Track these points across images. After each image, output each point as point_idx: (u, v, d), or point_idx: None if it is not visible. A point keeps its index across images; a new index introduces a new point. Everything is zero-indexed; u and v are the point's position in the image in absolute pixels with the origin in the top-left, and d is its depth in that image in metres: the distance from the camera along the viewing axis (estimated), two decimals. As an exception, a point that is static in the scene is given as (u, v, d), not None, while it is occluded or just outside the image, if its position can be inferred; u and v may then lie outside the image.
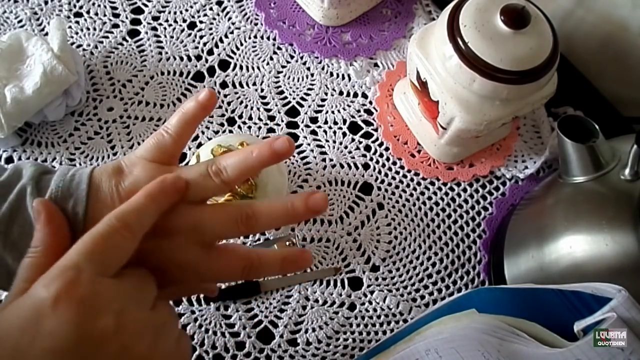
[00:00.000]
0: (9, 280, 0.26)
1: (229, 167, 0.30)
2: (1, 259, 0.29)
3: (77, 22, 0.61)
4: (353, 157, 0.55)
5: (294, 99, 0.58)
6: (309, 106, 0.57)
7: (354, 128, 0.56)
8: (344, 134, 0.56)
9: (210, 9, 0.62)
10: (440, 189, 0.54)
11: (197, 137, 0.55)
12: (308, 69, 0.59)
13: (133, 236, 0.26)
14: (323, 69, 0.59)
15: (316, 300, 0.48)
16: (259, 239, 0.51)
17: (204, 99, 0.32)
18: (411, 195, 0.54)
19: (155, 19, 0.61)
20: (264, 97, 0.57)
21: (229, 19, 0.62)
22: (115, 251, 0.26)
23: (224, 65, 0.59)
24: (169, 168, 0.32)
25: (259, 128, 0.56)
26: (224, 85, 0.58)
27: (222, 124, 0.56)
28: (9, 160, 0.53)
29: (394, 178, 0.54)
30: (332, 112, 0.57)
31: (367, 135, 0.56)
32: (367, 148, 0.55)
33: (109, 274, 0.25)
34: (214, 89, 0.58)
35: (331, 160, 0.54)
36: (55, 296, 0.22)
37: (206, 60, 0.59)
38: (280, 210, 0.30)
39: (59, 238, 0.27)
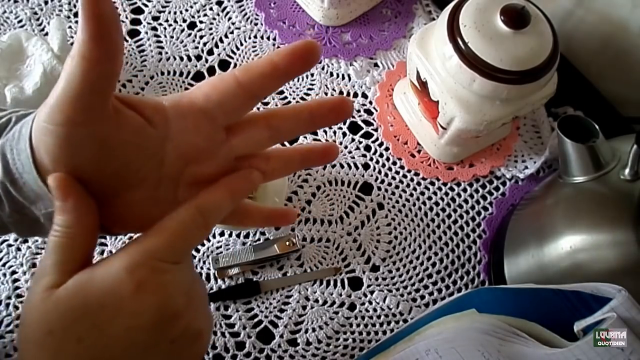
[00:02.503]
0: None
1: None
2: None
3: (77, 22, 0.60)
4: (353, 157, 0.55)
5: (294, 99, 0.58)
6: (309, 106, 0.57)
7: (354, 128, 0.56)
8: (344, 134, 0.56)
9: (210, 9, 0.62)
10: (440, 189, 0.54)
11: (197, 137, 0.55)
12: (308, 69, 0.59)
13: (208, 230, 0.28)
14: (323, 69, 0.59)
15: (316, 300, 0.48)
16: (259, 239, 0.51)
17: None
18: (411, 195, 0.54)
19: (155, 19, 0.61)
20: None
21: (229, 19, 0.62)
22: (193, 243, 0.27)
23: (224, 65, 0.59)
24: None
25: (259, 128, 0.56)
26: (224, 85, 0.58)
27: (222, 124, 0.56)
28: (9, 160, 0.53)
29: (394, 178, 0.54)
30: (332, 112, 0.57)
31: (367, 135, 0.56)
32: (367, 148, 0.55)
33: (182, 261, 0.27)
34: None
35: (331, 160, 0.54)
36: (139, 282, 0.24)
37: (206, 60, 0.59)
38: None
39: (90, 217, 0.26)
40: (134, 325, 0.24)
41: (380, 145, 0.56)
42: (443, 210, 0.53)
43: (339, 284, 0.49)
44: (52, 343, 0.24)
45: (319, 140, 0.55)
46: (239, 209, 0.32)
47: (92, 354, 0.24)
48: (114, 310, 0.24)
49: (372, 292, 0.49)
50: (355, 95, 0.58)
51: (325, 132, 0.56)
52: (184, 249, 0.27)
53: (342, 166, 0.54)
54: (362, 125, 0.57)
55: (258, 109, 0.56)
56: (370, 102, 0.57)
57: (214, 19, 0.61)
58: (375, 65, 0.60)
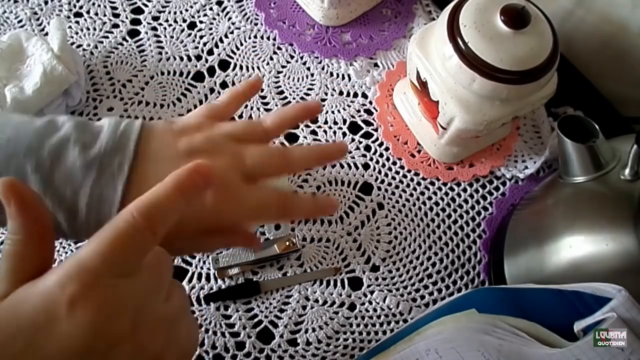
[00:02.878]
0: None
1: (267, 119, 0.36)
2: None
3: (77, 22, 0.61)
4: (353, 157, 0.55)
5: (294, 99, 0.58)
6: (309, 106, 0.57)
7: (354, 128, 0.56)
8: (344, 134, 0.56)
9: (210, 9, 0.62)
10: (440, 189, 0.54)
11: (197, 137, 0.55)
12: (308, 69, 0.59)
13: (154, 236, 0.24)
14: (323, 69, 0.59)
15: (316, 300, 0.48)
16: (259, 239, 0.50)
17: (252, 79, 0.39)
18: (411, 195, 0.54)
19: (155, 19, 0.61)
20: (264, 97, 0.57)
21: (229, 19, 0.62)
22: (134, 252, 0.24)
23: (224, 65, 0.59)
24: (216, 120, 0.36)
25: (259, 128, 0.56)
26: (224, 85, 0.58)
27: (222, 124, 0.56)
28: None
29: (394, 178, 0.54)
30: (332, 112, 0.57)
31: (367, 135, 0.56)
32: (367, 148, 0.55)
33: (127, 274, 0.24)
34: (214, 89, 0.58)
35: (331, 160, 0.54)
36: (71, 298, 0.22)
37: (206, 60, 0.59)
38: (314, 149, 0.36)
39: (39, 224, 0.25)
40: (68, 348, 0.22)
41: (380, 145, 0.56)
42: (443, 210, 0.53)
43: (339, 284, 0.49)
44: None
45: (319, 140, 0.55)
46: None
47: None
48: (47, 330, 0.22)
49: (372, 292, 0.49)
50: (355, 95, 0.58)
51: (325, 132, 0.56)
52: (125, 260, 0.24)
53: (342, 166, 0.54)
54: (362, 125, 0.57)
55: (259, 109, 0.56)
56: (370, 102, 0.57)
57: (214, 19, 0.61)
58: (375, 65, 0.60)
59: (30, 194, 0.25)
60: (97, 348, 0.22)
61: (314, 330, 0.47)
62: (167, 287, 0.26)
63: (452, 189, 0.54)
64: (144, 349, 0.24)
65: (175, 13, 0.62)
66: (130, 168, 0.30)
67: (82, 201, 0.30)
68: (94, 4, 0.62)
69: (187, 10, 0.62)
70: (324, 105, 0.57)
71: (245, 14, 0.62)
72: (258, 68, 0.59)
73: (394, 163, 0.55)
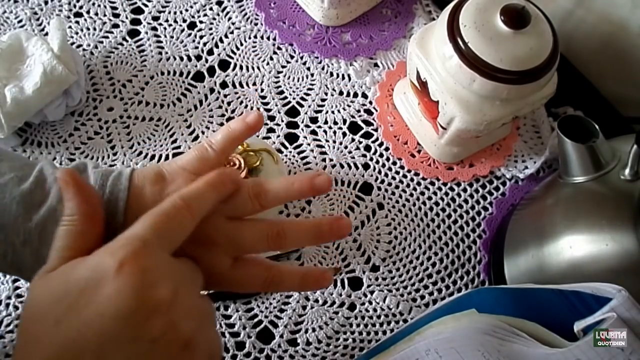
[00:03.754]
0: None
1: (270, 193, 0.32)
2: (32, 270, 0.28)
3: (77, 22, 0.61)
4: (353, 157, 0.55)
5: (294, 99, 0.58)
6: (309, 106, 0.57)
7: (354, 128, 0.56)
8: (344, 134, 0.56)
9: (210, 9, 0.62)
10: (440, 189, 0.54)
11: (197, 137, 0.55)
12: (308, 69, 0.59)
13: (193, 217, 0.27)
14: (323, 69, 0.59)
15: (316, 300, 0.48)
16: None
17: (252, 120, 0.34)
18: (411, 195, 0.54)
19: (155, 19, 0.61)
20: (264, 97, 0.57)
21: (229, 19, 0.62)
22: (178, 229, 0.27)
23: (224, 65, 0.59)
24: None
25: (259, 128, 0.56)
26: (224, 85, 0.58)
27: (222, 124, 0.56)
28: (9, 160, 0.53)
29: (394, 178, 0.54)
30: (332, 112, 0.57)
31: (367, 135, 0.56)
32: (367, 148, 0.55)
33: (170, 250, 0.26)
34: (214, 89, 0.58)
35: (331, 160, 0.54)
36: (120, 262, 0.23)
37: (206, 60, 0.59)
38: (308, 230, 0.32)
39: (93, 205, 0.28)
40: (108, 310, 0.23)
41: (380, 145, 0.56)
42: (443, 210, 0.53)
43: (339, 284, 0.49)
44: (33, 326, 0.24)
45: (319, 140, 0.55)
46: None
47: (67, 338, 0.23)
48: (92, 293, 0.23)
49: (372, 292, 0.49)
50: (355, 95, 0.58)
51: (325, 132, 0.56)
52: (169, 236, 0.26)
53: (342, 166, 0.54)
54: (362, 125, 0.57)
55: (259, 109, 0.56)
56: (370, 102, 0.57)
57: (214, 19, 0.61)
58: (375, 65, 0.60)
59: (85, 182, 0.28)
60: (136, 315, 0.23)
61: (314, 330, 0.47)
62: (200, 287, 0.28)
63: (452, 189, 0.54)
64: (177, 328, 0.24)
65: (175, 13, 0.62)
66: (124, 213, 0.31)
67: None
68: (94, 4, 0.62)
69: (187, 10, 0.62)
70: (323, 106, 0.57)
71: (245, 14, 0.62)
72: (258, 68, 0.59)
73: (394, 163, 0.55)
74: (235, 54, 0.60)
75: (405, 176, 0.54)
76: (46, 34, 0.59)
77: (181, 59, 0.59)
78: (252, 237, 0.31)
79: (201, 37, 0.60)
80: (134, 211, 0.31)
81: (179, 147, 0.55)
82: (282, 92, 0.58)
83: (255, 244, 0.31)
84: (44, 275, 0.25)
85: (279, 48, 0.60)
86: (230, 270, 0.31)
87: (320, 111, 0.57)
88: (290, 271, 0.32)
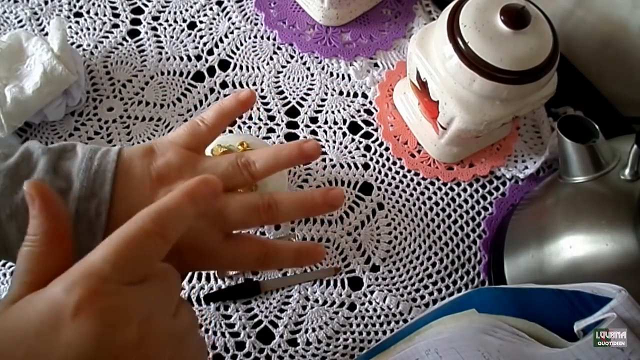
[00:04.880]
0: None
1: (258, 161, 0.31)
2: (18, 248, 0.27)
3: (77, 22, 0.61)
4: (353, 157, 0.55)
5: (294, 99, 0.58)
6: (309, 106, 0.57)
7: (354, 128, 0.56)
8: (344, 134, 0.56)
9: (210, 9, 0.62)
10: (440, 189, 0.54)
11: (197, 137, 0.55)
12: (308, 69, 0.59)
13: (165, 242, 0.24)
14: (323, 69, 0.59)
15: (316, 300, 0.48)
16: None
17: (244, 97, 0.34)
18: (411, 195, 0.54)
19: (155, 19, 0.61)
20: (264, 97, 0.57)
21: (229, 19, 0.62)
22: (145, 258, 0.23)
23: (224, 65, 0.59)
24: (199, 156, 0.32)
25: (259, 128, 0.56)
26: (224, 85, 0.58)
27: (222, 124, 0.56)
28: (9, 160, 0.53)
29: (394, 178, 0.54)
30: (332, 112, 0.57)
31: (367, 135, 0.56)
32: (367, 148, 0.55)
33: (135, 281, 0.23)
34: (214, 89, 0.58)
35: (331, 160, 0.54)
36: (76, 304, 0.21)
37: (206, 60, 0.59)
38: (300, 201, 0.31)
39: (58, 224, 0.25)
40: (70, 358, 0.21)
41: (380, 145, 0.56)
42: (443, 210, 0.53)
43: (339, 284, 0.49)
44: None
45: (319, 140, 0.55)
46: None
47: None
48: (50, 338, 0.21)
49: (372, 292, 0.49)
50: (355, 95, 0.58)
51: (325, 132, 0.56)
52: (135, 265, 0.23)
53: (342, 166, 0.54)
54: (362, 125, 0.57)
55: (258, 109, 0.56)
56: (370, 102, 0.57)
57: (214, 19, 0.61)
58: (375, 65, 0.60)
59: (53, 196, 0.25)
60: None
61: (314, 330, 0.47)
62: (175, 302, 0.26)
63: (452, 189, 0.54)
64: None
65: (175, 13, 0.62)
66: (107, 215, 0.29)
67: None
68: (94, 4, 0.62)
69: (187, 10, 0.62)
70: (323, 106, 0.57)
71: (245, 14, 0.62)
72: (258, 68, 0.59)
73: (394, 163, 0.55)
74: (235, 54, 0.60)
75: (405, 176, 0.54)
76: (46, 34, 0.59)
77: (181, 59, 0.59)
78: (242, 208, 0.30)
79: (201, 37, 0.60)
80: (122, 185, 0.30)
81: (179, 147, 0.55)
82: (282, 92, 0.58)
83: (246, 216, 0.30)
84: (4, 310, 0.22)
85: (279, 48, 0.60)
86: (223, 247, 0.29)
87: (320, 111, 0.57)
88: (284, 246, 0.32)
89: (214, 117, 0.34)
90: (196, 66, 0.59)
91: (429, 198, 0.53)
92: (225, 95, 0.57)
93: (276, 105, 0.57)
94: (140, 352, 0.22)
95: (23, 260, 0.24)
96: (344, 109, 0.57)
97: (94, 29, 0.60)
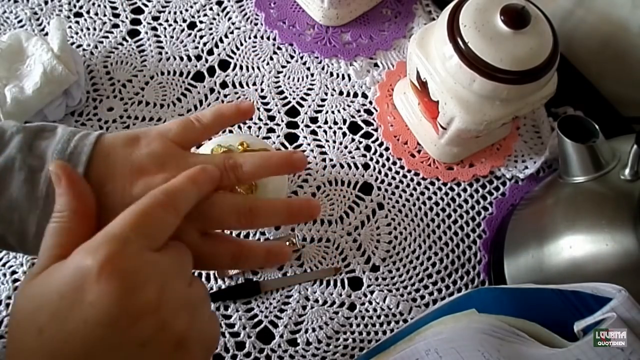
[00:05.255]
0: None
1: (246, 164, 0.31)
2: None
3: (77, 22, 0.61)
4: (353, 157, 0.55)
5: (294, 99, 0.58)
6: (309, 106, 0.57)
7: (354, 128, 0.56)
8: (344, 134, 0.56)
9: (210, 9, 0.62)
10: (440, 189, 0.54)
11: (197, 137, 0.55)
12: (308, 69, 0.59)
13: (177, 213, 0.26)
14: (323, 69, 0.59)
15: (316, 300, 0.48)
16: (259, 239, 0.51)
17: (244, 107, 0.34)
18: (411, 195, 0.54)
19: (155, 19, 0.61)
20: (264, 97, 0.57)
21: (229, 19, 0.62)
22: (161, 225, 0.25)
23: (224, 65, 0.59)
24: (185, 152, 0.32)
25: (259, 128, 0.56)
26: (224, 85, 0.58)
27: (222, 124, 0.56)
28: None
29: (394, 178, 0.54)
30: (332, 112, 0.57)
31: (367, 135, 0.56)
32: (367, 148, 0.55)
33: (153, 247, 0.25)
34: (214, 89, 0.58)
35: (331, 160, 0.54)
36: (100, 266, 0.22)
37: (206, 60, 0.59)
38: (281, 207, 0.31)
39: (84, 201, 0.27)
40: (92, 317, 0.22)
41: (380, 145, 0.56)
42: (443, 210, 0.53)
43: (339, 284, 0.49)
44: (17, 334, 0.23)
45: (319, 140, 0.55)
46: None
47: (52, 347, 0.22)
48: (73, 299, 0.22)
49: (372, 292, 0.49)
50: (355, 95, 0.58)
51: (325, 132, 0.56)
52: (151, 233, 0.25)
53: (342, 166, 0.54)
54: (362, 125, 0.57)
55: (258, 109, 0.56)
56: (370, 102, 0.57)
57: (214, 19, 0.61)
58: (375, 65, 0.60)
59: (78, 176, 0.27)
60: (121, 320, 0.22)
61: (314, 330, 0.47)
62: (190, 273, 0.27)
63: (452, 189, 0.54)
64: (168, 327, 0.24)
65: (175, 13, 0.62)
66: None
67: (31, 229, 0.29)
68: (94, 4, 0.62)
69: (187, 10, 0.62)
70: (323, 106, 0.57)
71: (245, 14, 0.62)
72: (258, 68, 0.59)
73: (394, 163, 0.55)
74: (235, 54, 0.60)
75: (405, 176, 0.54)
76: (46, 34, 0.59)
77: (181, 59, 0.59)
78: (222, 208, 0.30)
79: (201, 37, 0.60)
80: (98, 170, 0.29)
81: (179, 147, 0.55)
82: (282, 92, 0.58)
83: (226, 216, 0.30)
84: (31, 280, 0.24)
85: (279, 48, 0.60)
86: (199, 246, 0.29)
87: (320, 111, 0.57)
88: (256, 247, 0.32)
89: (210, 118, 0.33)
90: (196, 66, 0.59)
91: (429, 198, 0.53)
92: (225, 96, 0.57)
93: (276, 105, 0.57)
94: (158, 316, 0.23)
95: (51, 234, 0.25)
96: (344, 109, 0.57)
97: (94, 29, 0.60)
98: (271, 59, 0.59)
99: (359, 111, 0.57)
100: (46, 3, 0.62)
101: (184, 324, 0.24)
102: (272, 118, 0.56)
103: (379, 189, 0.53)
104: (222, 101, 0.57)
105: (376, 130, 0.56)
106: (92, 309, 0.22)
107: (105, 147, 0.30)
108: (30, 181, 0.29)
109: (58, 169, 0.27)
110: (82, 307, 0.22)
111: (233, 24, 0.61)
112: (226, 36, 0.61)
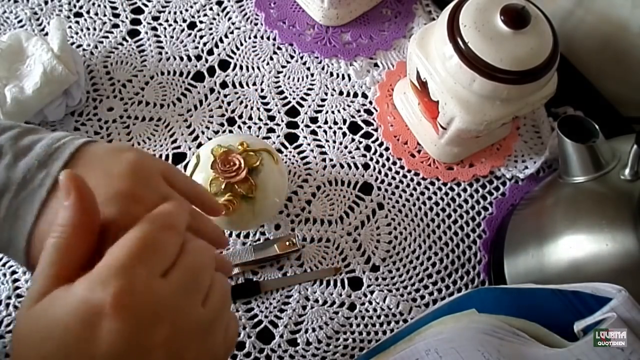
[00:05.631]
0: None
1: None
2: None
3: (77, 22, 0.61)
4: (353, 157, 0.55)
5: (294, 99, 0.58)
6: (309, 106, 0.57)
7: (354, 128, 0.56)
8: (344, 134, 0.56)
9: (210, 9, 0.62)
10: (440, 189, 0.54)
11: (197, 137, 0.55)
12: (308, 69, 0.59)
13: (178, 233, 0.26)
14: (323, 69, 0.59)
15: (316, 300, 0.48)
16: (259, 239, 0.51)
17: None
18: (411, 195, 0.54)
19: (155, 19, 0.61)
20: (264, 97, 0.57)
21: (229, 19, 0.62)
22: (165, 250, 0.25)
23: (224, 65, 0.59)
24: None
25: (259, 128, 0.56)
26: (224, 85, 0.58)
27: (222, 124, 0.56)
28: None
29: (394, 178, 0.54)
30: (332, 112, 0.57)
31: (367, 135, 0.56)
32: (367, 148, 0.55)
33: (162, 272, 0.24)
34: (214, 89, 0.58)
35: (331, 160, 0.54)
36: (111, 302, 0.21)
37: (206, 60, 0.59)
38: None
39: (88, 217, 0.25)
40: (102, 353, 0.21)
41: (380, 145, 0.56)
42: (443, 210, 0.53)
43: (339, 284, 0.49)
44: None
45: (319, 140, 0.55)
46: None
47: None
48: (81, 332, 0.22)
49: (372, 292, 0.49)
50: (355, 95, 0.58)
51: (325, 132, 0.56)
52: (159, 258, 0.24)
53: (342, 166, 0.54)
54: (362, 125, 0.57)
55: (259, 109, 0.56)
56: (370, 102, 0.57)
57: (214, 19, 0.61)
58: (375, 65, 0.60)
59: (88, 189, 0.25)
60: (131, 355, 0.22)
61: (314, 330, 0.47)
62: (205, 287, 0.26)
63: (452, 189, 0.54)
64: (178, 357, 0.23)
65: (175, 13, 0.62)
66: (52, 186, 0.28)
67: (0, 212, 0.28)
68: (94, 4, 0.62)
69: (187, 10, 0.62)
70: (323, 106, 0.57)
71: (245, 14, 0.62)
72: (258, 68, 0.59)
73: (394, 163, 0.55)
74: (235, 54, 0.60)
75: (405, 176, 0.54)
76: (46, 34, 0.59)
77: (181, 59, 0.59)
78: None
79: (201, 37, 0.60)
80: (80, 170, 0.28)
81: (179, 147, 0.55)
82: (282, 92, 0.58)
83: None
84: (32, 305, 0.23)
85: (279, 48, 0.60)
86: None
87: (320, 111, 0.57)
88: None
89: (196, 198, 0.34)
90: (196, 66, 0.59)
91: (429, 198, 0.53)
92: (225, 95, 0.57)
93: (276, 105, 0.57)
94: (169, 348, 0.23)
95: (49, 252, 0.24)
96: (344, 109, 0.57)
97: (94, 29, 0.60)
98: (271, 59, 0.59)
99: (359, 111, 0.57)
100: (46, 3, 0.62)
101: (196, 349, 0.24)
102: (272, 118, 0.56)
103: (379, 189, 0.53)
104: (222, 101, 0.57)
105: (376, 130, 0.56)
106: (103, 344, 0.21)
107: (92, 148, 0.31)
108: (12, 167, 0.29)
109: (68, 180, 0.25)
110: (91, 342, 0.21)
111: (233, 24, 0.61)
112: (226, 36, 0.61)
